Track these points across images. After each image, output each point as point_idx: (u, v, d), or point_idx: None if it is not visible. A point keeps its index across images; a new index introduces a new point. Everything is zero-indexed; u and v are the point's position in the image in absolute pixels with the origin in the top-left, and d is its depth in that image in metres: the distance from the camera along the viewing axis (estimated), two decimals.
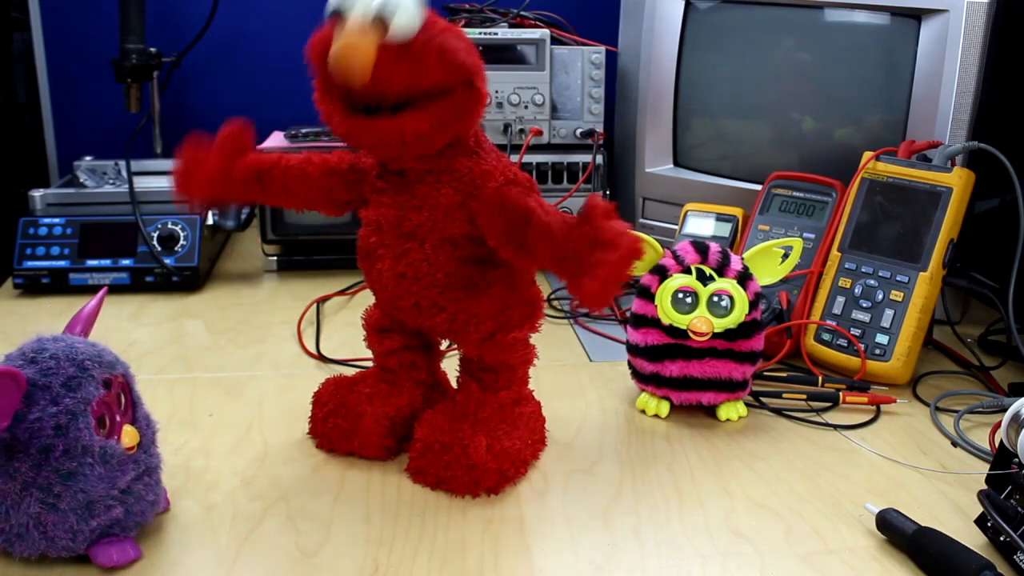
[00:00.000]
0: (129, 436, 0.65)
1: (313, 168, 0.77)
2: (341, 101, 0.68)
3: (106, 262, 1.19)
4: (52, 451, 0.61)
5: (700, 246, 0.86)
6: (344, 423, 0.78)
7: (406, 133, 0.67)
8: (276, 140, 1.35)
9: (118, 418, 0.65)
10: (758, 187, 1.10)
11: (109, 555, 0.63)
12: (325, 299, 1.17)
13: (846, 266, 0.99)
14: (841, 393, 0.91)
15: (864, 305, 0.96)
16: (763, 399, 0.91)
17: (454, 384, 0.82)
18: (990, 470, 0.70)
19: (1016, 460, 0.68)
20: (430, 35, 0.66)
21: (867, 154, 1.01)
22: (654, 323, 0.85)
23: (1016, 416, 0.68)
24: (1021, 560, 0.64)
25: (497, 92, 1.27)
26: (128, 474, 0.64)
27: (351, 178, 0.76)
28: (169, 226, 1.21)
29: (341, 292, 1.19)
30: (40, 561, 0.64)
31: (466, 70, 0.67)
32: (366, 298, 0.89)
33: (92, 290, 1.18)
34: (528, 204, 0.69)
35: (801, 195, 1.06)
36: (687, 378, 0.85)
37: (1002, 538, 0.66)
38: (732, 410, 0.87)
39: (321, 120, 0.71)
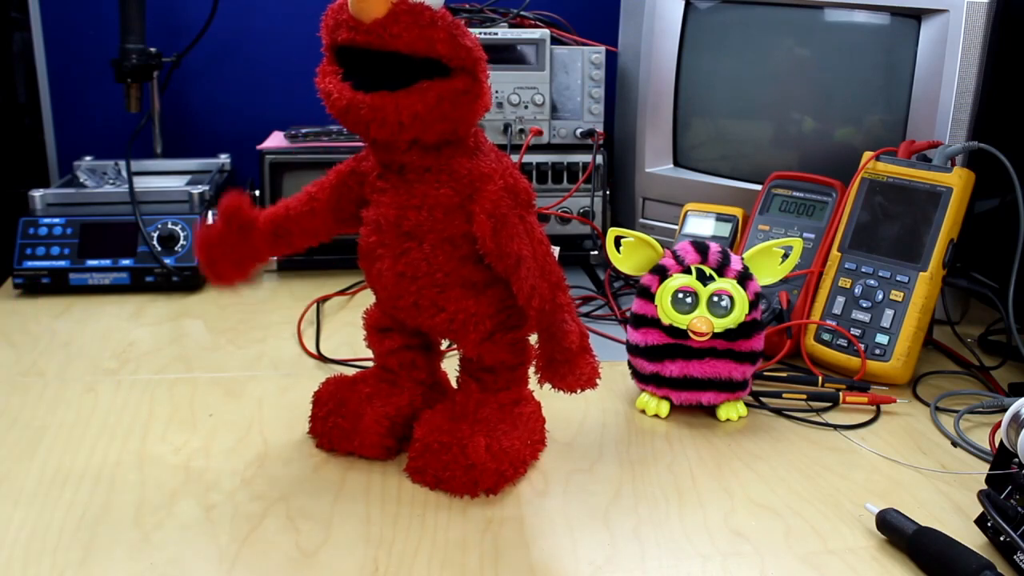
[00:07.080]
0: None
1: (319, 203, 0.78)
2: (342, 77, 0.68)
3: (106, 262, 1.19)
4: None
5: (700, 246, 0.86)
6: (344, 423, 0.78)
7: (403, 111, 0.67)
8: (276, 140, 1.35)
9: None
10: (758, 187, 1.10)
11: None
12: (325, 299, 1.17)
13: (846, 266, 0.99)
14: (841, 393, 0.91)
15: (864, 305, 0.96)
16: (763, 399, 0.91)
17: (454, 384, 0.82)
18: (990, 470, 0.70)
19: (1016, 460, 0.68)
20: (446, 13, 0.68)
21: (867, 154, 1.01)
22: (654, 323, 0.85)
23: (1016, 416, 0.68)
24: (1021, 560, 0.64)
25: (497, 92, 1.27)
26: None
27: (352, 181, 0.77)
28: (169, 226, 1.21)
29: (341, 292, 1.19)
30: None
31: (470, 55, 0.68)
32: (366, 298, 0.89)
33: (92, 290, 1.18)
34: (521, 253, 0.70)
35: (801, 195, 1.06)
36: (687, 378, 0.85)
37: (1002, 538, 0.66)
38: (732, 410, 0.87)
39: (320, 95, 0.70)
